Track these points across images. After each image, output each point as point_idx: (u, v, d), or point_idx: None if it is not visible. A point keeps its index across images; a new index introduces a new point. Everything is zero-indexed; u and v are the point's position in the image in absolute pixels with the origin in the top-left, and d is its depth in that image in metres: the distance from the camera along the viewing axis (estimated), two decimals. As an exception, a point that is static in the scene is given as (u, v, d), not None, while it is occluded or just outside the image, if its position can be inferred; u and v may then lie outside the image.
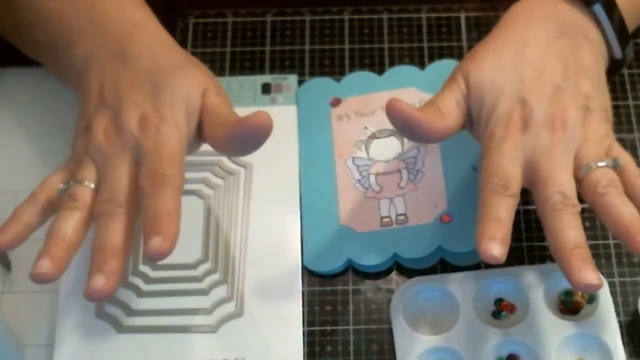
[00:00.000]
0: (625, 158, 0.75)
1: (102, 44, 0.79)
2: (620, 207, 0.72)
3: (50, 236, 0.73)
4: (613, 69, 0.82)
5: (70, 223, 0.73)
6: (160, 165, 0.72)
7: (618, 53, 0.81)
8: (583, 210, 0.84)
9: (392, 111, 0.74)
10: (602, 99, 0.77)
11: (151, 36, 0.80)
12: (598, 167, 0.73)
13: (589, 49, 0.79)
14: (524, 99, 0.75)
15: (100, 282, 0.70)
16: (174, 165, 0.73)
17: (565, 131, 0.74)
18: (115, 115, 0.75)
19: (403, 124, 0.74)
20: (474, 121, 0.77)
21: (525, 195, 0.85)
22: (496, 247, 0.70)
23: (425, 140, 0.78)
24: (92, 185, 0.74)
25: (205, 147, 0.87)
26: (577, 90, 0.76)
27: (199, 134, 0.77)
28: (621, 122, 0.89)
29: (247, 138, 0.73)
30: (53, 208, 0.75)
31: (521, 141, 0.74)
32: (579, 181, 0.74)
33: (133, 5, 0.82)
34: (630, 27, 0.82)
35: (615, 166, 0.74)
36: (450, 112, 0.76)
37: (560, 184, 0.73)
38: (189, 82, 0.76)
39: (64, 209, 0.74)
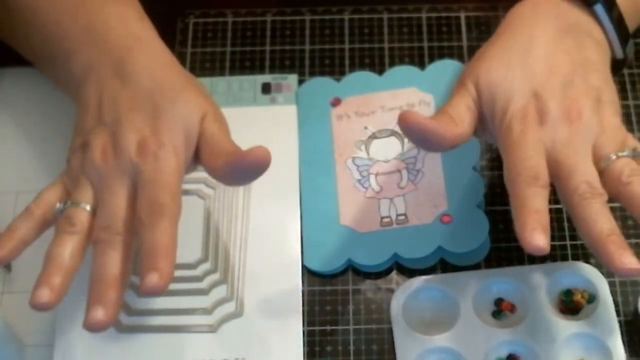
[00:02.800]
0: None
1: (101, 56, 0.78)
2: None
3: (48, 262, 0.72)
4: (614, 69, 0.82)
5: (68, 248, 0.73)
6: (158, 194, 0.72)
7: (619, 53, 0.81)
8: (583, 210, 0.85)
9: (406, 123, 0.74)
10: (611, 92, 0.77)
11: (152, 53, 0.79)
12: (619, 157, 0.73)
13: (594, 46, 0.79)
14: (536, 93, 0.75)
15: (100, 314, 0.70)
16: (172, 194, 0.73)
17: (582, 122, 0.74)
18: (113, 135, 0.75)
19: (418, 135, 0.74)
20: (487, 122, 0.77)
21: (525, 195, 0.85)
22: (541, 238, 0.70)
23: (440, 149, 0.77)
24: (89, 208, 0.74)
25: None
26: (587, 83, 0.76)
27: (196, 158, 0.77)
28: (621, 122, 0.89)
29: (245, 172, 0.73)
30: (48, 223, 0.75)
31: (541, 134, 0.74)
32: (600, 173, 0.74)
33: (133, 18, 0.81)
34: (630, 26, 0.82)
35: (635, 156, 0.74)
36: (462, 118, 0.76)
37: (585, 173, 0.73)
38: (188, 107, 0.76)
39: (62, 232, 0.73)
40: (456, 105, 0.77)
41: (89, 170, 0.75)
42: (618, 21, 0.80)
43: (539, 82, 0.76)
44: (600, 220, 0.71)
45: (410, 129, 0.74)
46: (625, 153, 0.74)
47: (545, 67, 0.76)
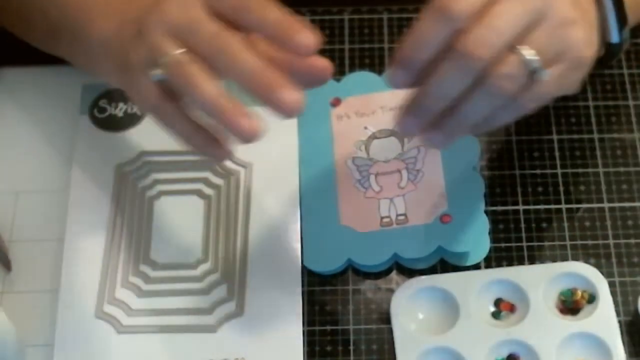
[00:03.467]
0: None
1: (125, 14, 0.77)
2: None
3: (220, 104, 0.69)
4: (606, 55, 0.80)
5: (213, 82, 0.69)
6: None
7: (615, 36, 0.78)
8: (583, 210, 0.85)
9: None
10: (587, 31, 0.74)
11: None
12: (518, 53, 0.69)
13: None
14: None
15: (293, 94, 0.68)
16: None
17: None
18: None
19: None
20: None
21: (525, 195, 0.85)
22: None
23: None
24: (180, 50, 0.70)
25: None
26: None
27: None
28: (621, 122, 0.89)
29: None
30: (171, 94, 0.72)
31: None
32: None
33: None
34: (630, 16, 0.79)
35: (533, 72, 0.69)
36: None
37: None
38: None
39: (194, 76, 0.69)
40: None
41: (154, 32, 0.71)
42: (617, 2, 0.77)
43: None
44: None
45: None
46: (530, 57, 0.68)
47: None
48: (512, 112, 0.72)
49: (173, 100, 0.72)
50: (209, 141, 0.72)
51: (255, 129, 0.69)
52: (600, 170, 0.87)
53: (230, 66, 0.69)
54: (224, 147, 0.72)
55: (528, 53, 0.68)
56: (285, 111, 0.69)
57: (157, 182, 0.86)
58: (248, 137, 0.69)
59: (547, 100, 0.73)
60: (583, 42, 0.72)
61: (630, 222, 0.84)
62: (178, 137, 0.74)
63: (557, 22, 0.70)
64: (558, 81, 0.71)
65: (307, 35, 0.68)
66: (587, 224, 0.84)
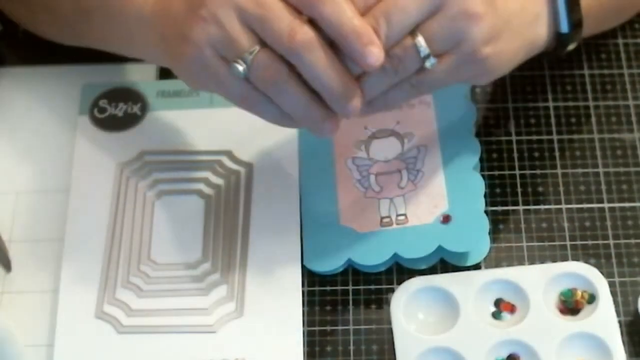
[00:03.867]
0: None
1: None
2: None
3: (310, 107, 0.73)
4: (558, 46, 0.81)
5: (303, 88, 0.72)
6: None
7: (565, 26, 0.79)
8: (583, 210, 0.85)
9: None
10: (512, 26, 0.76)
11: None
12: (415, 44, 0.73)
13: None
14: None
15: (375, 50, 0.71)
16: None
17: None
18: None
19: None
20: None
21: (525, 195, 0.85)
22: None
23: None
24: (258, 47, 0.72)
25: (205, 146, 0.88)
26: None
27: None
28: (621, 122, 0.89)
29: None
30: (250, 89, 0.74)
31: None
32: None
33: None
34: (587, 8, 0.80)
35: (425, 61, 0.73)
36: None
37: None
38: None
39: (284, 83, 0.72)
40: None
41: (225, 13, 0.72)
42: None
43: None
44: None
45: None
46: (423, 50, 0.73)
47: None
48: (405, 93, 0.75)
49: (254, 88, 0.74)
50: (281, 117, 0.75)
51: (333, 131, 0.75)
52: (600, 170, 0.87)
53: (309, 74, 0.72)
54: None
55: (419, 39, 0.72)
56: (348, 116, 0.74)
57: (158, 181, 0.86)
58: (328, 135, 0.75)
59: (440, 87, 0.76)
60: (481, 38, 0.73)
61: (630, 222, 0.84)
62: (263, 117, 0.76)
63: (454, 14, 0.72)
64: (449, 72, 0.74)
65: (375, 51, 0.71)
66: (587, 224, 0.84)
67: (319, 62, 0.71)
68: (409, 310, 0.80)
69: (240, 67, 0.72)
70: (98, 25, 0.84)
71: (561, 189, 0.86)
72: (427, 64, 0.73)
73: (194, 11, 0.73)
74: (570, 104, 0.90)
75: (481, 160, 0.85)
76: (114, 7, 0.81)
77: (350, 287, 0.82)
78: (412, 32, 0.72)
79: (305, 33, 0.71)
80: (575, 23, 0.80)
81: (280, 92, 0.73)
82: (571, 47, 0.82)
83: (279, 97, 0.73)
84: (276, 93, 0.73)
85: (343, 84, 0.72)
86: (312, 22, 0.72)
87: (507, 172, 0.87)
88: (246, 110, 0.76)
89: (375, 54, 0.71)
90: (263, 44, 0.72)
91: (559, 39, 0.80)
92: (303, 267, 0.82)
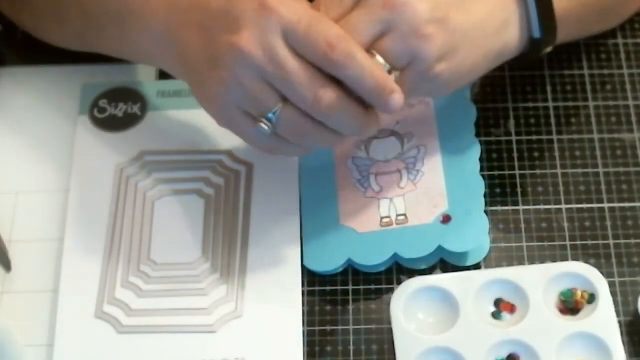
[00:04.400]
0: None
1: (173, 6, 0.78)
2: None
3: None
4: (531, 51, 0.82)
5: (325, 135, 0.75)
6: (322, 32, 0.72)
7: (537, 31, 0.80)
8: (583, 210, 0.85)
9: None
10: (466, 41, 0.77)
11: None
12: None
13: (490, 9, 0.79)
14: None
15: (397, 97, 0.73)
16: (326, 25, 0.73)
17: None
18: (232, 31, 0.73)
19: None
20: None
21: (525, 195, 0.85)
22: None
23: None
24: (280, 105, 0.74)
25: (205, 146, 0.88)
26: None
27: None
28: (621, 122, 0.89)
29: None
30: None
31: None
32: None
33: None
34: (564, 15, 0.81)
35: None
36: None
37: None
38: None
39: (299, 137, 0.75)
40: None
41: (246, 75, 0.73)
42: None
43: None
44: None
45: None
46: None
47: None
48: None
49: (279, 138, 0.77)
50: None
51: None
52: (600, 170, 0.87)
53: (337, 127, 0.75)
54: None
55: (377, 57, 0.75)
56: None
57: (158, 182, 0.86)
58: None
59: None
60: (432, 57, 0.75)
61: (630, 222, 0.84)
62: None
63: (404, 34, 0.74)
64: (409, 89, 0.76)
65: (397, 98, 0.73)
66: (587, 224, 0.84)
67: (346, 116, 0.74)
68: (409, 310, 0.80)
69: (266, 127, 0.75)
70: (112, 37, 0.84)
71: (561, 189, 0.86)
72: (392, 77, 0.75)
73: (214, 68, 0.75)
74: (570, 104, 0.90)
75: (481, 160, 0.85)
76: (126, 25, 0.81)
77: (350, 287, 0.82)
78: (369, 51, 0.74)
79: (329, 96, 0.73)
80: (548, 27, 0.80)
81: (308, 140, 0.76)
82: (547, 50, 0.83)
83: (307, 142, 0.77)
84: (304, 141, 0.76)
85: (367, 124, 0.76)
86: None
87: (507, 172, 0.87)
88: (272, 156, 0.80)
89: (397, 100, 0.74)
90: (285, 99, 0.74)
91: (532, 43, 0.81)
92: (303, 267, 0.82)
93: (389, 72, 0.75)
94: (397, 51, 0.75)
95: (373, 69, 0.73)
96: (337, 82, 0.74)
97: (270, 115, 0.74)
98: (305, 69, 0.73)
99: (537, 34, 0.81)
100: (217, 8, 0.74)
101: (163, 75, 0.92)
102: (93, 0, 0.83)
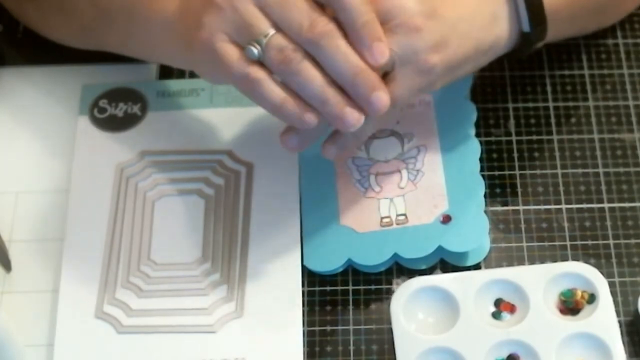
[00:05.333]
0: None
1: None
2: None
3: (323, 93, 0.73)
4: (522, 45, 0.82)
5: (317, 72, 0.73)
6: None
7: (526, 25, 0.81)
8: (583, 210, 0.85)
9: None
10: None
11: None
12: None
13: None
14: None
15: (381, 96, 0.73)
16: None
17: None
18: None
19: None
20: None
21: (525, 195, 0.85)
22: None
23: None
24: (272, 31, 0.73)
25: (205, 146, 0.88)
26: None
27: None
28: (621, 122, 0.89)
29: None
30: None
31: None
32: None
33: None
34: (555, 9, 0.81)
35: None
36: None
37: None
38: None
39: (297, 64, 0.73)
40: None
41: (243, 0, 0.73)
42: None
43: None
44: None
45: None
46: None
47: None
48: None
49: (262, 66, 0.74)
50: (301, 107, 0.74)
51: (357, 122, 0.74)
52: (600, 170, 0.87)
53: (331, 62, 0.73)
54: (316, 112, 0.74)
55: None
56: (374, 112, 0.74)
57: (158, 182, 0.86)
58: (350, 128, 0.74)
59: (401, 103, 0.77)
60: (424, 47, 0.76)
61: (630, 222, 0.84)
62: (267, 105, 0.75)
63: (395, 27, 0.75)
64: (406, 85, 0.76)
65: (380, 96, 0.73)
66: (587, 224, 0.84)
67: (339, 51, 0.73)
68: (409, 310, 0.80)
69: (255, 50, 0.73)
70: (120, 29, 0.84)
71: (561, 189, 0.86)
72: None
73: (211, 1, 0.74)
74: (570, 104, 0.90)
75: (481, 160, 0.85)
76: (138, 12, 0.81)
77: (350, 287, 0.82)
78: None
79: (326, 24, 0.73)
80: (538, 22, 0.81)
81: (296, 74, 0.73)
82: (539, 45, 0.83)
83: (294, 78, 0.74)
84: (292, 74, 0.73)
85: (364, 73, 0.73)
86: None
87: (507, 172, 0.87)
88: (249, 95, 0.75)
89: (381, 50, 0.73)
90: (278, 28, 0.73)
91: (523, 37, 0.82)
92: (303, 267, 0.82)
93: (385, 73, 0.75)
94: (390, 44, 0.75)
95: (368, 7, 0.73)
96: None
97: (261, 38, 0.73)
98: None
99: (526, 27, 0.81)
100: None
101: (163, 75, 0.92)
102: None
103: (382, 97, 0.74)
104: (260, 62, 0.74)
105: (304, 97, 0.74)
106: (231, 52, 0.74)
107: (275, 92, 0.74)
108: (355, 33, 0.73)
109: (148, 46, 0.83)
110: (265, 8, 0.73)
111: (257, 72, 0.74)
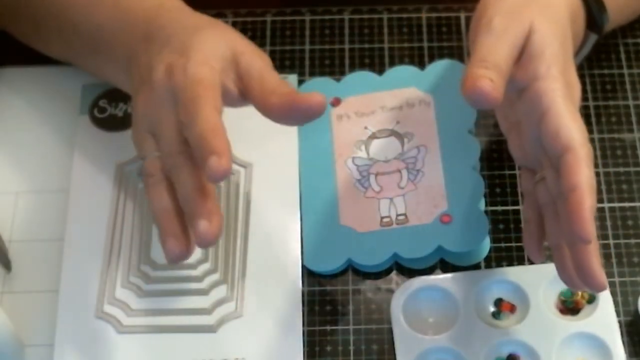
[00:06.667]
0: None
1: (131, 37, 0.79)
2: None
3: (160, 218, 0.73)
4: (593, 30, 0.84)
5: (164, 196, 0.73)
6: (192, 91, 0.72)
7: (599, 18, 0.82)
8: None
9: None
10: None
11: (174, 12, 0.79)
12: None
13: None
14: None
15: (204, 225, 0.70)
16: (206, 88, 0.72)
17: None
18: (148, 82, 0.75)
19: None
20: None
21: (525, 195, 0.85)
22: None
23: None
24: (157, 154, 0.74)
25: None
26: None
27: (245, 96, 0.76)
28: (621, 122, 0.89)
29: (299, 116, 0.73)
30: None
31: None
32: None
33: None
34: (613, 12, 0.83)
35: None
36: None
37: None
38: (216, 36, 0.76)
39: (150, 187, 0.74)
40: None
41: (142, 122, 0.75)
42: None
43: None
44: None
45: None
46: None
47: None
48: None
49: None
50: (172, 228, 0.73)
51: (178, 256, 0.72)
52: (600, 170, 0.86)
53: (175, 183, 0.73)
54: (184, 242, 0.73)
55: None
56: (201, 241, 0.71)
57: (157, 182, 0.86)
58: (172, 260, 0.72)
59: None
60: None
61: (630, 222, 0.84)
62: (151, 209, 0.75)
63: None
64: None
65: (213, 160, 0.69)
66: (587, 224, 0.84)
67: (181, 175, 0.72)
68: (409, 310, 0.80)
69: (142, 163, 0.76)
70: (87, 65, 0.87)
71: (561, 189, 0.86)
72: None
73: (140, 91, 0.76)
74: (570, 104, 0.90)
75: (481, 160, 0.85)
76: (100, 53, 0.83)
77: (350, 287, 0.82)
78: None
79: (179, 157, 0.72)
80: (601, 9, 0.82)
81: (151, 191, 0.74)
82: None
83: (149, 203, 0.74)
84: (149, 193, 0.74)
85: (197, 200, 0.72)
86: None
87: (507, 172, 0.87)
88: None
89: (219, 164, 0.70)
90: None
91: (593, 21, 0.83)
92: (303, 267, 0.82)
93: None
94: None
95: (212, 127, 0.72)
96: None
97: (145, 158, 0.75)
98: (176, 138, 0.73)
99: (600, 20, 0.82)
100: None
101: (163, 75, 0.92)
102: (69, 28, 0.84)
103: (204, 226, 0.71)
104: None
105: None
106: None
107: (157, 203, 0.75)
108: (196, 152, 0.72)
109: (112, 80, 0.85)
110: (153, 134, 0.74)
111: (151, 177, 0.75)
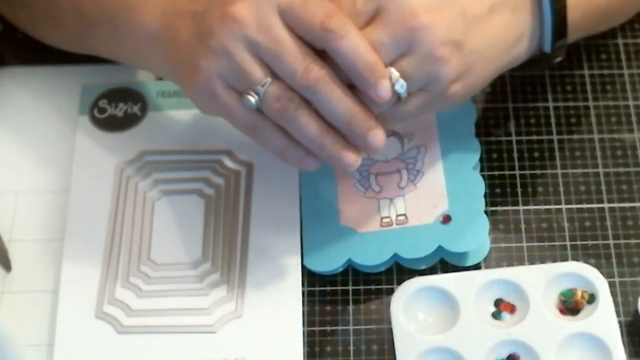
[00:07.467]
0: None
1: (170, 5, 0.78)
2: None
3: (323, 137, 0.74)
4: (540, 62, 0.82)
5: (313, 118, 0.74)
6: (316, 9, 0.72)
7: (548, 47, 0.81)
8: (583, 210, 0.85)
9: None
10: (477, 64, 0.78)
11: None
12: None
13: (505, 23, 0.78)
14: None
15: (379, 133, 0.74)
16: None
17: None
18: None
19: None
20: None
21: (525, 195, 0.85)
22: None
23: None
24: (270, 79, 0.73)
25: (205, 146, 0.88)
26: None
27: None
28: (621, 122, 0.89)
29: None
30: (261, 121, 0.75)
31: None
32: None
33: None
34: (575, 28, 0.81)
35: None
36: None
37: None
38: None
39: (290, 113, 0.73)
40: None
41: (236, 45, 0.73)
42: (560, 15, 0.79)
43: None
44: None
45: None
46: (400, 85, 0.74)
47: None
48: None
49: (262, 114, 0.75)
50: (301, 152, 0.76)
51: (355, 162, 0.76)
52: (600, 170, 0.87)
53: (326, 108, 0.74)
54: (315, 156, 0.76)
55: (394, 75, 0.74)
56: (371, 151, 0.76)
57: (158, 182, 0.86)
58: (348, 168, 0.76)
59: (409, 120, 0.78)
60: (448, 79, 0.76)
61: (630, 222, 0.84)
62: (269, 150, 0.77)
63: (422, 57, 0.74)
64: (420, 107, 0.77)
65: (386, 84, 0.73)
66: (587, 224, 0.84)
67: (334, 96, 0.73)
68: (409, 310, 0.80)
69: (253, 99, 0.74)
70: (103, 39, 0.84)
71: (561, 189, 0.86)
72: (402, 95, 0.75)
73: (204, 41, 0.74)
74: (570, 104, 0.90)
75: (481, 160, 0.85)
76: (121, 24, 0.81)
77: (350, 287, 0.82)
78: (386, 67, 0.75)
79: (320, 70, 0.73)
80: (559, 46, 0.81)
81: (293, 121, 0.74)
82: (554, 61, 0.83)
83: (291, 126, 0.75)
84: (289, 122, 0.74)
85: (360, 114, 0.74)
86: (324, 55, 0.73)
87: (507, 172, 0.87)
88: (252, 139, 0.77)
89: (386, 87, 0.73)
90: (274, 75, 0.73)
91: (541, 55, 0.82)
92: (303, 267, 0.82)
93: (404, 95, 0.75)
94: (414, 74, 0.75)
95: (367, 46, 0.73)
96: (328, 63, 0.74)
97: (258, 87, 0.74)
98: (298, 43, 0.73)
99: (547, 48, 0.81)
100: None
101: (163, 75, 0.92)
102: (87, 3, 0.83)
103: (378, 137, 0.75)
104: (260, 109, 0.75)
105: (302, 143, 0.75)
106: (232, 101, 0.75)
107: (277, 139, 0.76)
108: (355, 74, 0.73)
109: (134, 57, 0.83)
110: (259, 54, 0.73)
111: (259, 122, 0.75)
